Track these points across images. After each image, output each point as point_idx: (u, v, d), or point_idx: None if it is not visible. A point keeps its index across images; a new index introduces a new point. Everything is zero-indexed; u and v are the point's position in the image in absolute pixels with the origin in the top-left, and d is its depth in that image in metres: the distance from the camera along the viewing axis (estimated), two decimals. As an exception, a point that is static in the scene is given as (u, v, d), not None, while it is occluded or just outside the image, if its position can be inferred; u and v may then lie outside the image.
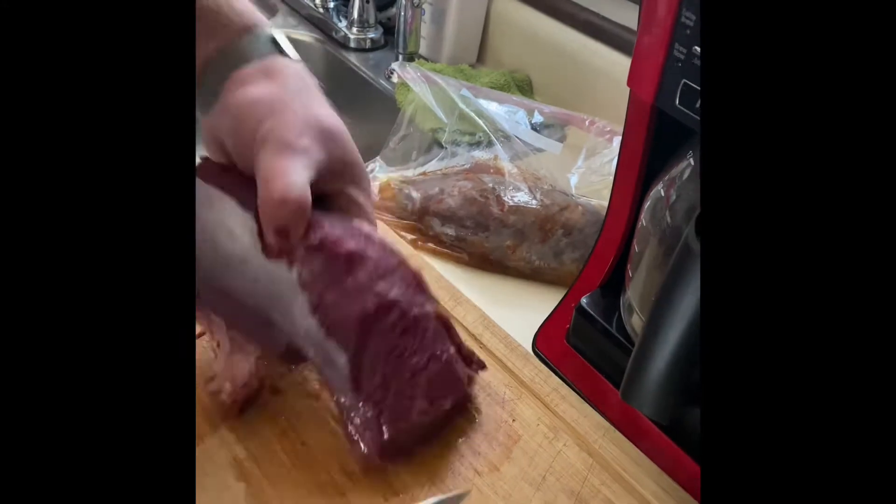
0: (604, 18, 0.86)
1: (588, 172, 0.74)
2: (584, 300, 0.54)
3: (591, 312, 0.54)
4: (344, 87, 1.05)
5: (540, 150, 0.79)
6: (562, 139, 0.83)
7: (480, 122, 0.76)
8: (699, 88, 0.37)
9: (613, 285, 0.54)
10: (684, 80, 0.38)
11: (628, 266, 0.51)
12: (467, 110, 0.77)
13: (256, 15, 0.47)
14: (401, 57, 1.00)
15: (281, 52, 0.46)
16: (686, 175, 0.45)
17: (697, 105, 0.37)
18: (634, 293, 0.50)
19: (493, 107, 0.80)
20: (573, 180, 0.73)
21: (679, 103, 0.39)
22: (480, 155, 0.78)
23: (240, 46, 0.45)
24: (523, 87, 0.93)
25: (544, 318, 0.59)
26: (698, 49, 0.37)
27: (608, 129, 0.79)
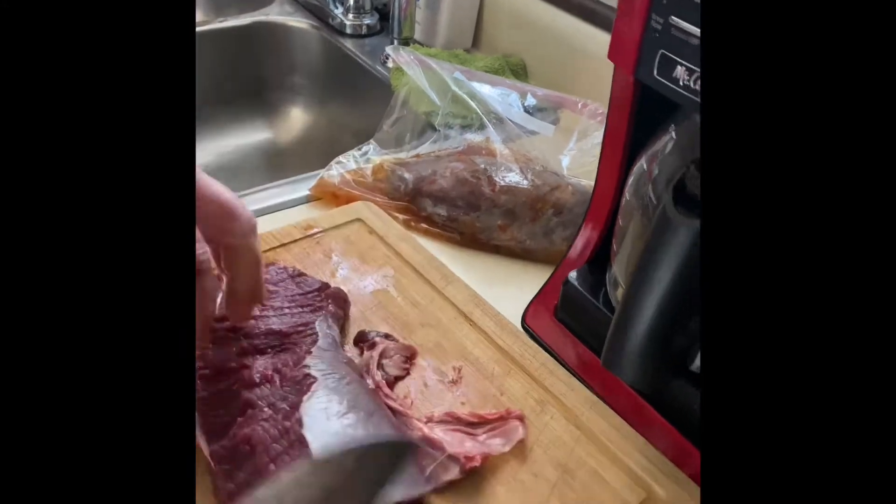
0: (596, 2, 0.86)
1: (580, 154, 0.75)
2: (571, 275, 0.55)
3: (579, 287, 0.54)
4: (340, 73, 1.06)
5: (532, 133, 0.79)
6: (555, 122, 0.83)
7: (473, 104, 0.77)
8: (676, 58, 0.38)
9: (600, 261, 0.55)
10: (662, 51, 0.38)
11: (613, 240, 0.51)
12: (460, 93, 0.78)
13: None
14: (396, 42, 1.00)
15: None
16: (668, 149, 0.46)
17: (674, 74, 0.38)
18: (619, 267, 0.51)
19: (486, 89, 0.80)
20: (565, 161, 0.74)
21: (657, 74, 0.39)
22: (473, 137, 0.78)
23: None
24: (517, 72, 0.93)
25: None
26: (675, 19, 0.37)
27: (600, 111, 0.79)
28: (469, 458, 0.44)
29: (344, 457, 0.36)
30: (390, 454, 0.38)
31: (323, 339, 0.48)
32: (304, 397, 0.43)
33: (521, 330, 0.58)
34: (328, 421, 0.42)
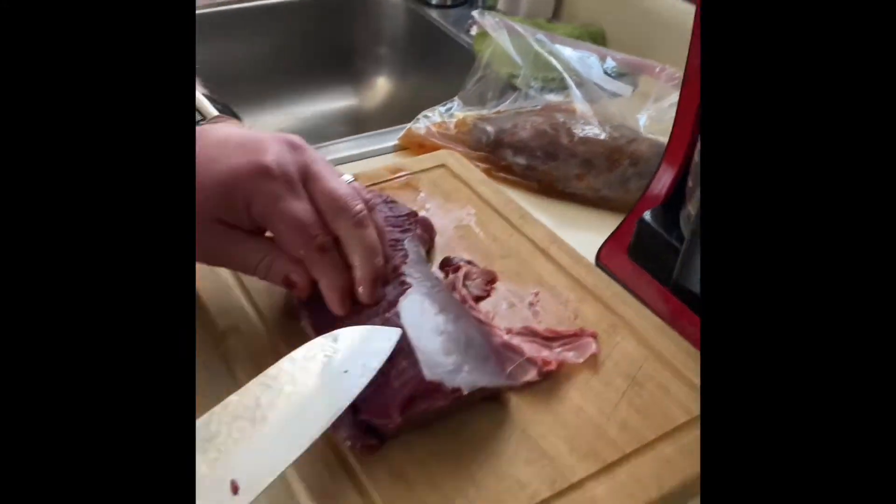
0: (678, -28, 0.89)
1: (657, 114, 0.77)
2: (646, 214, 0.58)
3: (653, 226, 0.57)
4: (424, 42, 1.11)
5: (612, 94, 0.82)
6: (633, 85, 0.86)
7: (555, 62, 0.80)
8: None
9: (675, 202, 0.58)
10: None
11: (689, 177, 0.54)
12: (542, 52, 0.81)
13: None
14: (481, 10, 1.04)
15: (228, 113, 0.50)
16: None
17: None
18: (694, 204, 0.54)
19: (567, 52, 0.83)
20: (642, 121, 0.77)
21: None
22: (553, 98, 0.82)
23: None
24: (597, 40, 0.96)
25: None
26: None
27: (677, 75, 0.82)
28: (546, 363, 0.48)
29: None
30: None
31: (413, 255, 0.53)
32: (401, 297, 0.47)
33: (596, 267, 0.61)
34: (423, 316, 0.46)
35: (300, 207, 0.44)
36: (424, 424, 0.44)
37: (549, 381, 0.49)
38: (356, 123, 1.17)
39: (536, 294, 0.56)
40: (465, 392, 0.42)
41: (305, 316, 0.48)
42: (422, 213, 0.64)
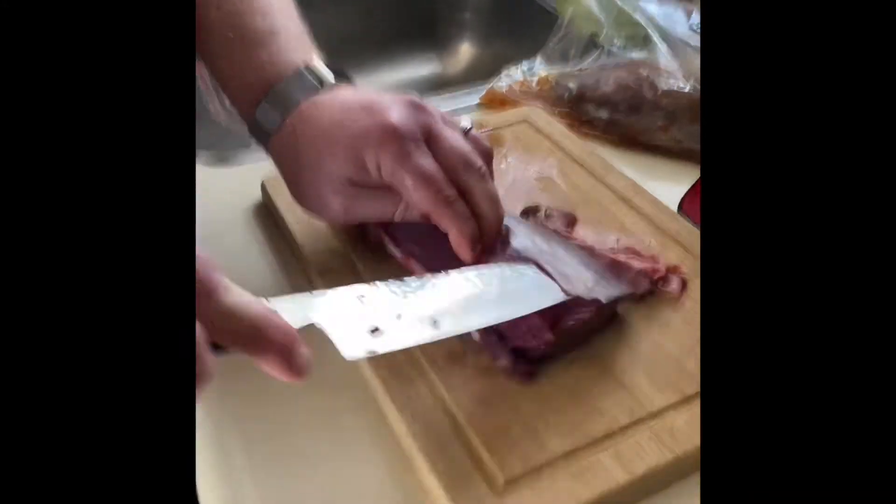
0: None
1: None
2: (730, 160, 0.58)
3: (737, 171, 0.57)
4: (508, 6, 1.11)
5: (697, 50, 0.81)
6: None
7: (639, 17, 0.80)
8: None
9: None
10: None
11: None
12: (626, 8, 0.81)
13: (309, 45, 0.53)
14: (563, -27, 1.04)
15: (342, 78, 0.51)
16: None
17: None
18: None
19: (651, 7, 0.83)
20: (728, 74, 0.75)
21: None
22: (636, 55, 0.81)
23: (302, 78, 0.50)
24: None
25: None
26: None
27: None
28: (655, 270, 0.51)
29: None
30: None
31: None
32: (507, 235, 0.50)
33: (678, 215, 0.61)
34: (535, 248, 0.49)
35: (426, 163, 0.46)
36: (572, 345, 0.47)
37: (630, 320, 0.50)
38: (440, 89, 1.19)
39: (618, 240, 0.57)
40: (604, 301, 0.46)
41: (413, 257, 0.50)
42: (503, 165, 0.66)
